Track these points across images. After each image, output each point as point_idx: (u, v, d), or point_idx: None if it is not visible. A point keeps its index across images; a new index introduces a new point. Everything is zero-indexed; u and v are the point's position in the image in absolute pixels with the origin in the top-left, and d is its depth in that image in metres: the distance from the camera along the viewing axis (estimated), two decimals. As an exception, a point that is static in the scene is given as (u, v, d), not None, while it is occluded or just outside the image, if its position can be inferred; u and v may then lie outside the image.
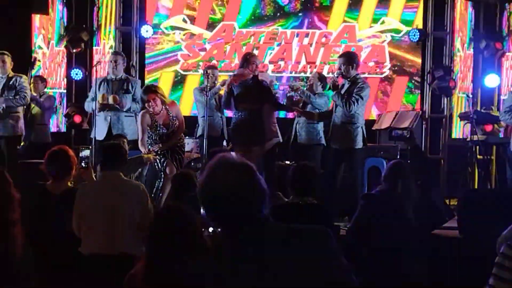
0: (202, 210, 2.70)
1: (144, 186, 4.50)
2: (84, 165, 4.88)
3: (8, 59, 7.64)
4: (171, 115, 6.92)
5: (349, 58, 7.06)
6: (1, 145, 7.59)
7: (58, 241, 4.11)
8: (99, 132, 7.48)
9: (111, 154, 4.34)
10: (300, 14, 10.24)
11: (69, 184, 4.46)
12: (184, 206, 2.72)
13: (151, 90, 6.95)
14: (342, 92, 6.91)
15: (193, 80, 10.18)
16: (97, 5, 10.32)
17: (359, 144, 6.91)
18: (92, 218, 4.17)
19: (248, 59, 7.26)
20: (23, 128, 7.70)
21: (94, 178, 4.93)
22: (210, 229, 2.75)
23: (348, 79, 6.95)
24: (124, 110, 7.50)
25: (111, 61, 7.67)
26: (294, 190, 4.44)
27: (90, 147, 5.75)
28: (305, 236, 2.07)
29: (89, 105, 7.67)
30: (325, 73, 9.64)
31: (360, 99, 6.82)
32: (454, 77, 9.85)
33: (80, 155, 5.03)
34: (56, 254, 4.01)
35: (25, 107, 8.01)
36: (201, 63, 10.18)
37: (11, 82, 7.57)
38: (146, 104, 6.86)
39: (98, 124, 7.53)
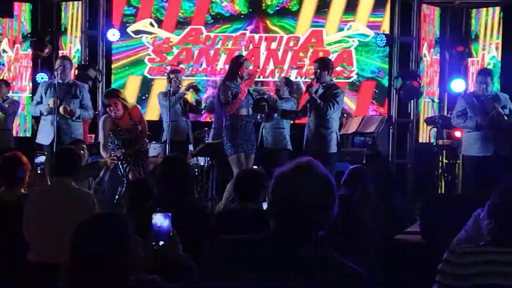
0: (154, 222, 2.65)
1: (93, 195, 4.42)
2: (39, 171, 4.81)
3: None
4: (133, 120, 6.83)
5: (324, 64, 7.08)
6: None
7: (9, 249, 4.03)
8: (45, 137, 7.30)
9: (63, 159, 4.25)
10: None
11: (22, 191, 4.38)
12: (122, 214, 2.63)
13: (113, 94, 6.86)
14: (317, 96, 6.90)
15: (161, 85, 10.11)
16: (63, 9, 10.21)
17: (333, 148, 6.91)
18: (39, 225, 4.08)
19: (241, 63, 7.11)
20: None
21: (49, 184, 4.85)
22: (161, 243, 2.68)
23: (323, 84, 6.96)
24: (73, 119, 7.38)
25: (59, 66, 7.53)
26: (238, 195, 4.41)
27: (46, 153, 5.64)
28: (344, 273, 2.05)
29: (35, 109, 7.52)
30: (293, 77, 9.66)
31: (336, 104, 6.84)
32: (420, 82, 9.90)
33: (36, 161, 4.95)
34: (5, 261, 3.93)
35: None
36: (168, 67, 10.13)
37: None
38: (107, 109, 6.75)
39: (43, 128, 7.37)
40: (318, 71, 6.97)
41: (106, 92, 7.25)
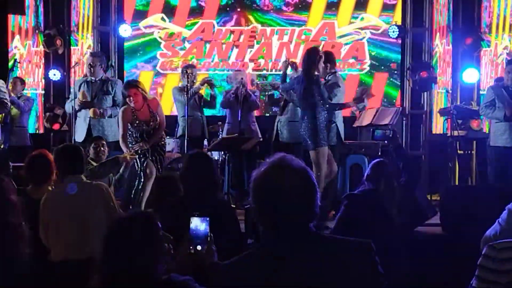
0: (192, 226, 2.65)
1: (106, 186, 4.43)
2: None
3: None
4: (152, 111, 6.81)
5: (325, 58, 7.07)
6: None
7: (37, 247, 4.04)
8: (79, 134, 7.39)
9: (69, 158, 4.24)
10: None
11: (49, 188, 4.40)
12: (151, 215, 2.64)
13: (132, 85, 6.80)
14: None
15: (173, 79, 10.11)
16: (74, 5, 10.20)
17: (333, 141, 6.94)
18: (58, 225, 4.09)
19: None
20: None
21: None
22: (198, 247, 2.68)
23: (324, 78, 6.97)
24: (106, 118, 7.40)
25: (89, 64, 7.56)
26: None
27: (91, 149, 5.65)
28: (351, 248, 2.07)
29: (68, 106, 7.60)
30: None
31: (335, 96, 6.86)
32: (433, 73, 9.87)
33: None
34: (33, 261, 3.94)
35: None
36: (180, 62, 10.13)
37: None
38: (127, 99, 6.69)
39: (77, 125, 7.44)
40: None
41: (126, 83, 7.20)
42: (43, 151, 4.46)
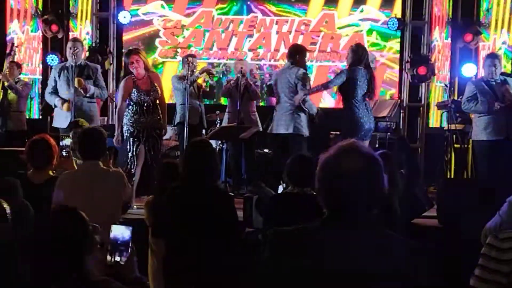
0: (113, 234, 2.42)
1: (123, 174, 4.43)
2: (65, 154, 4.81)
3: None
4: (153, 82, 6.71)
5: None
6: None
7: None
8: (62, 120, 7.12)
9: (92, 142, 4.24)
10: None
11: (51, 173, 4.40)
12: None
13: (134, 51, 6.82)
14: None
15: (172, 67, 10.10)
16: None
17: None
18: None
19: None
20: None
21: (75, 166, 4.86)
22: (117, 258, 2.45)
23: None
24: (88, 95, 7.19)
25: (70, 48, 7.41)
26: (292, 180, 4.41)
27: (71, 135, 5.57)
28: (404, 248, 2.09)
29: (51, 99, 7.29)
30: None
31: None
32: (431, 67, 9.88)
33: (61, 143, 4.95)
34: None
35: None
36: (179, 50, 10.11)
37: None
38: (129, 66, 6.67)
39: (59, 112, 7.19)
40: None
41: (127, 50, 7.23)
42: (44, 136, 4.46)
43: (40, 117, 10.06)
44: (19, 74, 9.16)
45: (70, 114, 6.97)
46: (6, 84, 8.50)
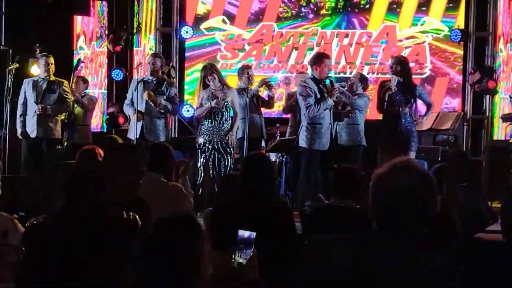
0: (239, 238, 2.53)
1: (182, 188, 4.52)
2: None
3: (52, 62, 7.81)
4: (225, 93, 7.24)
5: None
6: (42, 146, 7.90)
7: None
8: (133, 132, 7.50)
9: (157, 155, 4.36)
10: (340, 15, 10.20)
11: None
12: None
13: (208, 67, 7.37)
14: None
15: (232, 81, 10.18)
16: (137, 6, 10.40)
17: None
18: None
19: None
20: (60, 131, 8.14)
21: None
22: (241, 261, 2.54)
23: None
24: (158, 109, 7.49)
25: (149, 63, 7.68)
26: (335, 192, 4.41)
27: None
28: (448, 269, 2.09)
29: (127, 109, 7.67)
30: (365, 73, 9.58)
31: None
32: (496, 78, 9.69)
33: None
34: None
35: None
36: (240, 64, 10.21)
37: (52, 87, 7.81)
38: (206, 79, 7.19)
39: (132, 124, 7.58)
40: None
41: (203, 66, 7.64)
42: (93, 147, 4.62)
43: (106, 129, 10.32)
44: (86, 89, 9.41)
45: (139, 127, 7.32)
46: (72, 98, 8.75)
